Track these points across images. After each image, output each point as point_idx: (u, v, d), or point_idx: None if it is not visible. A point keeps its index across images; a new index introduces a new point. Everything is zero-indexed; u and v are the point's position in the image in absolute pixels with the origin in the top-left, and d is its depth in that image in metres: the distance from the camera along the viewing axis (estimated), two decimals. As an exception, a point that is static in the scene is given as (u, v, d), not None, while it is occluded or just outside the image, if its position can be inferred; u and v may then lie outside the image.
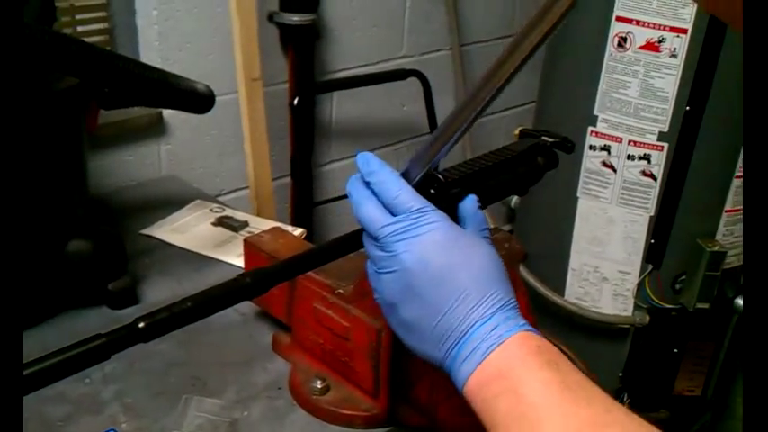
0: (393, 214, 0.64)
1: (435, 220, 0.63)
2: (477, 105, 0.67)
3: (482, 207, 0.83)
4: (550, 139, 0.90)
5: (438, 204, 0.67)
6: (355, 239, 0.72)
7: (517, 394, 0.56)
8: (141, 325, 0.56)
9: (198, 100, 1.05)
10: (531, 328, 0.61)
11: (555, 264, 1.95)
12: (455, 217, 0.70)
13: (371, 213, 0.64)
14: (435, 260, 0.61)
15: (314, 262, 0.69)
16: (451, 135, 0.68)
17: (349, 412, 0.92)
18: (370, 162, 0.66)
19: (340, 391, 0.94)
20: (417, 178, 0.69)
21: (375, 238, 0.64)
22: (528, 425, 0.55)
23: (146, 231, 1.34)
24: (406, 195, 0.63)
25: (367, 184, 0.66)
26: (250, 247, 1.06)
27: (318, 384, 0.93)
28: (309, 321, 0.96)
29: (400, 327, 0.64)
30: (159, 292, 1.19)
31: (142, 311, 1.15)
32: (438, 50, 2.04)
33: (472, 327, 0.60)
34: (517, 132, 0.94)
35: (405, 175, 0.68)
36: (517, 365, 0.58)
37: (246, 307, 1.11)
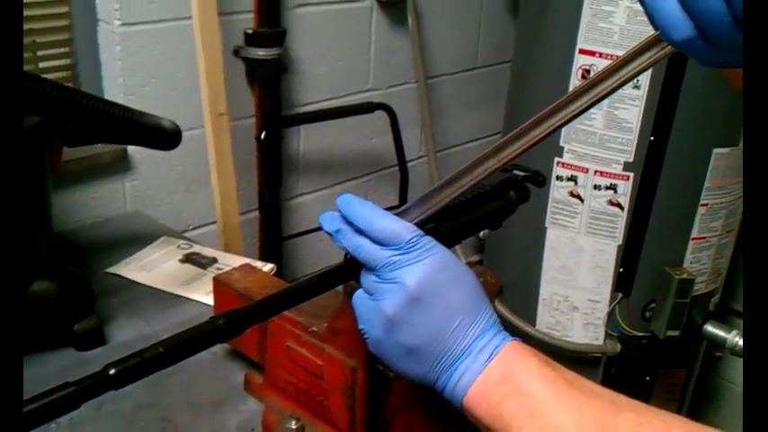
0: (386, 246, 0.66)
1: (430, 246, 0.66)
2: (505, 157, 0.70)
3: (456, 243, 0.83)
4: (521, 173, 0.90)
5: None
6: (333, 277, 0.71)
7: (525, 393, 0.59)
8: (112, 372, 0.54)
9: (164, 137, 1.04)
10: (518, 338, 0.65)
11: (525, 294, 1.96)
12: None
13: (369, 248, 0.66)
14: (435, 285, 0.64)
15: (291, 301, 0.67)
16: (466, 184, 0.71)
17: (325, 452, 0.90)
18: (350, 201, 0.68)
19: (315, 431, 0.92)
20: (420, 218, 0.71)
21: (374, 270, 0.65)
22: (542, 420, 0.57)
23: (112, 270, 1.31)
24: (397, 225, 0.66)
25: (350, 224, 0.68)
26: (220, 285, 1.04)
27: (293, 425, 0.91)
28: (283, 360, 0.95)
29: (394, 355, 0.65)
30: (127, 332, 1.16)
31: (109, 353, 1.14)
32: (404, 83, 2.05)
33: (471, 343, 0.63)
34: (489, 166, 0.95)
35: (404, 214, 0.70)
36: (519, 368, 0.61)
37: (217, 346, 1.08)
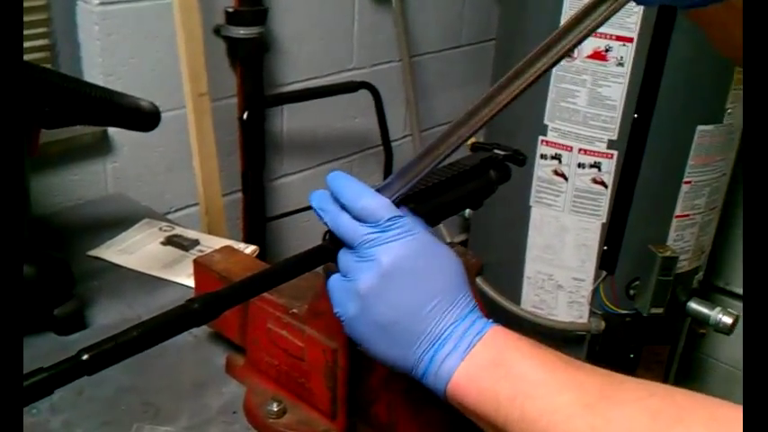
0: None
1: (410, 226, 0.64)
2: (476, 123, 0.68)
3: (436, 223, 0.82)
4: (502, 152, 0.89)
5: None
6: (311, 259, 0.71)
7: (519, 376, 0.57)
8: (85, 357, 0.54)
9: (142, 117, 1.02)
10: (499, 324, 0.63)
11: (510, 272, 1.96)
12: None
13: (348, 224, 0.65)
14: (412, 264, 0.62)
15: (267, 283, 0.67)
16: (443, 152, 0.69)
17: (307, 434, 0.90)
18: (338, 178, 0.67)
19: (297, 413, 0.92)
20: (401, 191, 0.69)
21: (352, 248, 0.65)
22: (543, 400, 0.55)
23: (93, 253, 1.30)
24: (378, 203, 0.65)
25: (336, 200, 0.67)
26: (200, 267, 1.04)
27: (274, 407, 0.91)
28: (264, 342, 0.94)
29: (369, 334, 0.64)
30: (108, 315, 1.15)
31: (90, 337, 1.12)
32: (388, 62, 2.04)
33: (449, 327, 0.61)
34: (469, 144, 0.94)
35: (385, 189, 0.69)
36: (509, 352, 0.59)
37: (199, 329, 1.08)
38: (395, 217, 0.64)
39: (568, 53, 0.64)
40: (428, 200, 0.79)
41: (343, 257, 0.67)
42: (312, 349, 0.88)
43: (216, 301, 0.61)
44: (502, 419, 0.57)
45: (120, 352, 0.55)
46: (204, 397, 0.99)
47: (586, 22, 0.61)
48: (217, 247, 1.34)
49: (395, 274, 0.62)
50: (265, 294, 0.92)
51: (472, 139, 0.96)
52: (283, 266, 0.69)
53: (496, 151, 0.90)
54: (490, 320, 0.63)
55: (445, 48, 2.20)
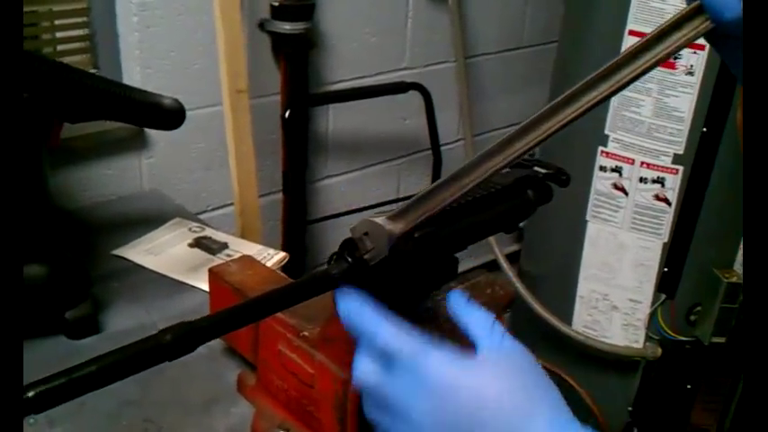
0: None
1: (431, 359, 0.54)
2: (511, 154, 0.60)
3: (461, 248, 0.74)
4: (543, 170, 0.80)
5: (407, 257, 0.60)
6: (313, 286, 0.63)
7: None
8: (31, 394, 0.47)
9: (163, 115, 0.97)
10: None
11: (562, 289, 1.85)
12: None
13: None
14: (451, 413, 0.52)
15: (256, 314, 0.60)
16: (469, 183, 0.62)
17: (313, 467, 0.82)
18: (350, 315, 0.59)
19: (305, 443, 0.85)
20: (417, 221, 0.62)
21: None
22: None
23: (118, 252, 1.26)
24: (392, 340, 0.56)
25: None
26: (215, 278, 0.97)
27: (281, 435, 0.84)
28: (274, 364, 0.87)
29: None
30: (124, 320, 1.10)
31: (103, 342, 1.08)
32: (443, 62, 1.95)
33: None
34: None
35: (400, 216, 0.61)
36: None
37: (215, 340, 1.02)
38: (411, 352, 0.55)
39: (634, 81, 0.55)
40: (453, 222, 0.70)
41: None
42: (322, 377, 0.80)
43: (191, 334, 0.54)
44: None
45: (73, 389, 0.48)
46: (211, 416, 0.93)
47: (660, 47, 0.52)
48: (246, 251, 1.28)
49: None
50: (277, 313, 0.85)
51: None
52: (279, 294, 0.61)
53: (536, 169, 0.81)
54: None
55: (504, 49, 2.10)
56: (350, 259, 0.62)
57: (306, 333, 0.83)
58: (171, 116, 0.99)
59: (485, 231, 0.75)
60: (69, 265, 1.03)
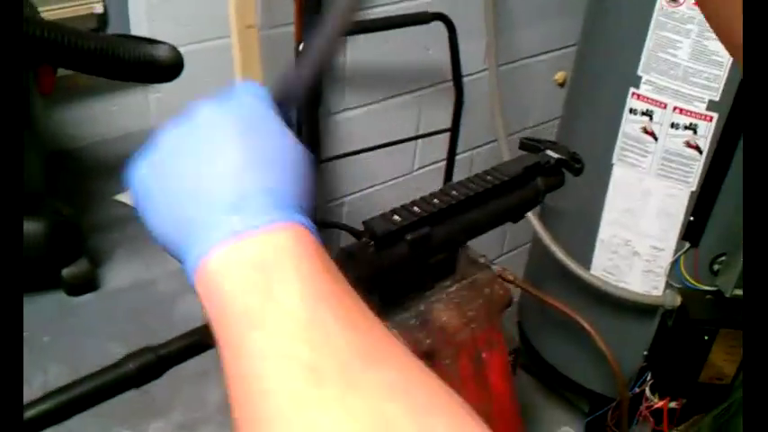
0: None
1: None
2: None
3: (459, 245, 0.69)
4: (555, 156, 0.74)
5: None
6: None
7: (276, 299, 0.39)
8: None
9: (156, 71, 0.91)
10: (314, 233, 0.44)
11: (583, 231, 1.80)
12: None
13: None
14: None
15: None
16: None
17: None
18: None
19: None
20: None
21: None
22: (271, 341, 0.38)
23: (119, 197, 1.22)
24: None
25: None
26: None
27: (273, 415, 0.82)
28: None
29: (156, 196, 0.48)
30: (123, 277, 1.08)
31: (100, 299, 1.06)
32: (472, -13, 1.83)
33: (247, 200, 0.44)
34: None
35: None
36: (286, 260, 0.41)
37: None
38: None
39: None
40: (458, 217, 0.66)
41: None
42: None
43: (156, 363, 0.50)
44: (219, 332, 0.42)
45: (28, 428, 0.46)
46: (205, 388, 0.91)
47: None
48: (252, 199, 1.24)
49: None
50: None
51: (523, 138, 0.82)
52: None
53: (548, 152, 0.75)
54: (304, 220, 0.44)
55: (538, -26, 1.96)
56: None
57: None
58: (165, 71, 0.93)
59: (486, 227, 0.70)
60: (65, 223, 1.00)
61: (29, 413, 0.46)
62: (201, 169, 0.45)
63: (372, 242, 0.61)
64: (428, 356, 0.55)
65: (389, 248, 0.61)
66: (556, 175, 0.74)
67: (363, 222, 0.62)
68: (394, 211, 0.63)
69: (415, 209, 0.63)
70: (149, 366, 0.50)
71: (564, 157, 0.74)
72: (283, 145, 0.47)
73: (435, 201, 0.65)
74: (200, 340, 0.53)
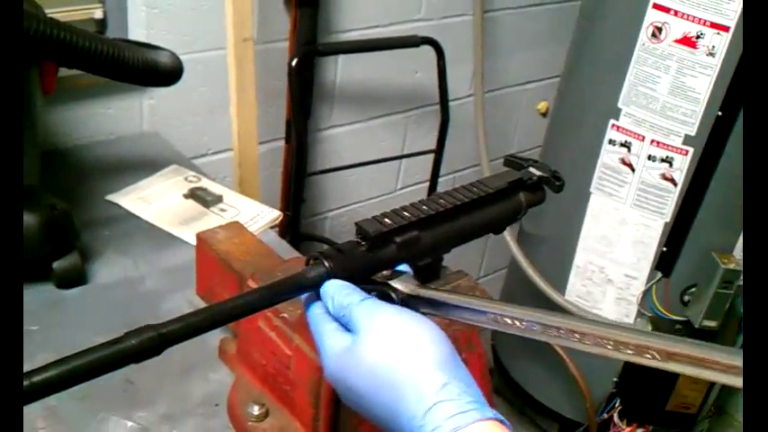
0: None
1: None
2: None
3: (444, 252, 0.73)
4: (537, 173, 0.78)
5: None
6: (290, 289, 0.62)
7: None
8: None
9: (157, 76, 0.94)
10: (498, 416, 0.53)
11: (559, 257, 1.84)
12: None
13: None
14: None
15: (231, 316, 0.59)
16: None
17: (285, 446, 0.83)
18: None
19: (279, 418, 0.85)
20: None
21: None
22: None
23: (111, 197, 1.25)
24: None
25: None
26: (202, 244, 0.97)
27: (256, 410, 0.85)
28: (254, 339, 0.87)
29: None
30: (112, 272, 1.10)
31: (89, 293, 1.08)
32: (460, 15, 1.89)
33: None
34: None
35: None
36: None
37: (202, 302, 1.02)
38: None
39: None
40: (445, 224, 0.69)
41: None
42: (299, 360, 0.81)
43: (158, 339, 0.53)
44: None
45: (27, 395, 0.48)
46: (190, 381, 0.94)
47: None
48: (240, 206, 1.28)
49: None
50: (259, 289, 0.84)
51: (505, 156, 0.85)
52: (258, 296, 0.61)
53: (531, 170, 0.79)
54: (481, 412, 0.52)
55: (526, 4, 2.03)
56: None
57: (286, 315, 0.83)
58: (165, 77, 0.96)
59: (471, 235, 0.73)
60: (58, 217, 1.03)
61: (31, 379, 0.48)
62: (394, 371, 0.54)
63: (363, 242, 0.64)
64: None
65: (379, 249, 0.64)
66: (537, 191, 0.78)
67: (356, 223, 0.65)
68: (384, 215, 0.66)
69: (405, 213, 0.67)
70: (150, 343, 0.53)
71: (546, 175, 0.77)
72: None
73: (424, 207, 0.68)
74: (200, 322, 0.56)
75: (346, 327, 0.59)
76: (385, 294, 0.63)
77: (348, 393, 0.59)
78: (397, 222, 0.65)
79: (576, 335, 0.56)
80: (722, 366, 0.49)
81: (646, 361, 0.53)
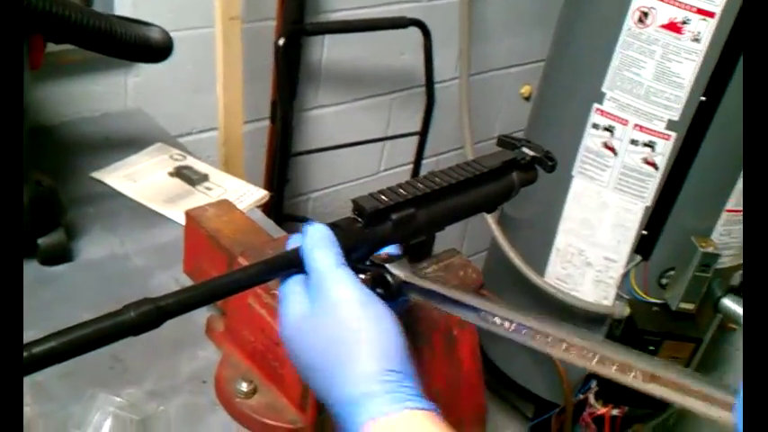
0: None
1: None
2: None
3: (439, 229, 0.73)
4: (530, 153, 0.79)
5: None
6: (287, 263, 0.63)
7: None
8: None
9: (149, 52, 0.93)
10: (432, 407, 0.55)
11: (540, 239, 1.86)
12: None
13: None
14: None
15: (224, 291, 0.60)
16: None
17: (273, 423, 0.84)
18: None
19: (267, 395, 0.86)
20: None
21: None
22: None
23: (96, 175, 1.24)
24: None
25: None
26: (191, 221, 0.96)
27: (244, 387, 0.85)
28: (243, 315, 0.88)
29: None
30: (97, 249, 1.10)
31: (75, 270, 1.07)
32: (448, -4, 1.89)
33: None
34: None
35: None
36: None
37: (189, 280, 1.02)
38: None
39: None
40: (431, 203, 0.70)
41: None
42: (288, 337, 0.81)
43: (156, 312, 0.53)
44: None
45: (28, 366, 0.48)
46: (177, 358, 0.94)
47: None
48: (226, 185, 1.27)
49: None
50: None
51: (499, 135, 0.86)
52: (255, 270, 0.61)
53: (524, 150, 0.80)
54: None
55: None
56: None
57: (276, 292, 0.83)
58: (157, 53, 0.96)
59: (465, 213, 0.74)
60: (43, 193, 1.02)
61: (31, 351, 0.49)
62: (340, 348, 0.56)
63: (359, 218, 0.65)
64: (405, 330, 0.59)
65: (375, 226, 0.65)
66: (530, 171, 0.79)
67: (353, 200, 0.65)
68: (381, 192, 0.67)
69: (401, 191, 0.67)
70: (149, 316, 0.53)
71: (539, 155, 0.78)
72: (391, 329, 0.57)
73: (420, 185, 0.69)
74: (199, 295, 0.56)
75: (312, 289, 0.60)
76: (381, 277, 0.63)
77: (295, 359, 0.61)
78: (393, 199, 0.65)
79: (564, 344, 0.57)
80: (702, 396, 0.50)
81: (629, 380, 0.53)
